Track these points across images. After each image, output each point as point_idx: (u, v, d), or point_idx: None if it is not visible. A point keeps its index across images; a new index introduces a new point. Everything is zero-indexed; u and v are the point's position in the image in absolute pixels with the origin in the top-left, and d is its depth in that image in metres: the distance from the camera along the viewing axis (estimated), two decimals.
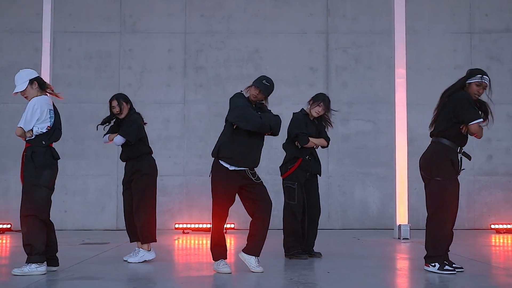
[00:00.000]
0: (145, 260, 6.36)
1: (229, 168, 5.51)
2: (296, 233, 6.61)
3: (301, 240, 6.64)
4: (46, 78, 9.11)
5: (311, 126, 6.73)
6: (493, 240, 8.91)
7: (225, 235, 5.69)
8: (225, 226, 5.63)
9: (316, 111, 6.71)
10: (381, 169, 10.50)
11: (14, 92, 5.64)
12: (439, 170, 5.45)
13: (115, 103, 6.56)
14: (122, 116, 6.56)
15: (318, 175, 6.86)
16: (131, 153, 6.54)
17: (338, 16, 10.86)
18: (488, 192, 10.59)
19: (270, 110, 5.91)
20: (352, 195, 10.66)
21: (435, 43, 10.75)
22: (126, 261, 6.39)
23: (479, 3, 10.83)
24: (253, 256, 5.55)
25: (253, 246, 5.56)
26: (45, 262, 5.49)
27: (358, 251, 7.46)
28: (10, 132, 10.42)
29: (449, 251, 5.58)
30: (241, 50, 10.86)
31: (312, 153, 6.73)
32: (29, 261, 5.41)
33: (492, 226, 10.17)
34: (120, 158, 6.70)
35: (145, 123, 6.73)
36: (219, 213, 5.54)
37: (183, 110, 10.83)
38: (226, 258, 5.62)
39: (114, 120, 6.69)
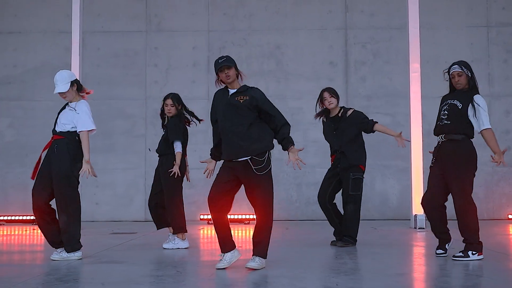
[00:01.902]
0: (178, 248, 6.79)
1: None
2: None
3: (335, 228, 7.06)
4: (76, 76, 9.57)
5: (326, 125, 7.15)
6: (511, 230, 9.07)
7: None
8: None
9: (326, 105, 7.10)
10: (400, 162, 10.72)
11: (56, 91, 5.89)
12: None
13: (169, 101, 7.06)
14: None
15: (352, 168, 6.96)
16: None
17: (356, 12, 11.13)
18: (507, 183, 10.74)
19: (253, 87, 5.41)
20: (372, 186, 10.92)
21: (452, 37, 10.92)
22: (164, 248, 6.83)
23: None
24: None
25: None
26: (81, 247, 5.90)
27: (371, 238, 7.74)
28: (43, 128, 10.93)
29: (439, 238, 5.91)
30: (263, 47, 11.20)
31: (341, 149, 6.99)
32: (70, 250, 5.79)
33: (510, 217, 10.33)
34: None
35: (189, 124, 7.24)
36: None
37: (207, 105, 11.19)
38: (224, 252, 5.37)
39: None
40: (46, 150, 5.97)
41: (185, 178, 7.15)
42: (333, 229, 7.08)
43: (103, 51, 11.28)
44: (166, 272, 5.15)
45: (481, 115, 5.64)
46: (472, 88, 5.76)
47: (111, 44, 11.29)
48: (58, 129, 5.89)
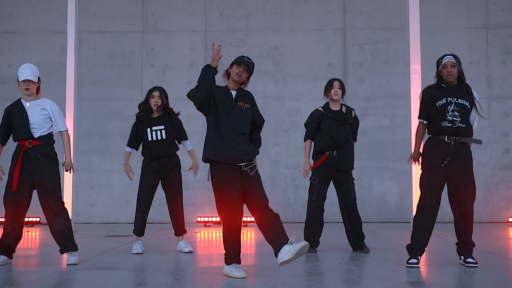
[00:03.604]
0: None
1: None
2: (310, 226, 6.58)
3: (315, 233, 6.55)
4: (71, 76, 9.25)
5: (327, 120, 6.51)
6: (511, 233, 8.80)
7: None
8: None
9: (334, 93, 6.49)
10: (398, 164, 10.41)
11: (25, 78, 5.52)
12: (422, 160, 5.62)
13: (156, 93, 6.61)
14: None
15: (350, 171, 6.56)
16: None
17: (354, 13, 10.83)
18: (506, 186, 10.46)
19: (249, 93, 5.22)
20: (370, 189, 10.62)
21: (451, 39, 10.64)
22: (181, 251, 6.55)
23: None
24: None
25: None
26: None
27: (372, 243, 7.43)
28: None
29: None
30: (260, 47, 10.88)
31: (342, 148, 6.44)
32: (75, 248, 5.64)
33: (510, 220, 10.05)
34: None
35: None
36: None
37: None
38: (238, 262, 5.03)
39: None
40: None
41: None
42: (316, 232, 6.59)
43: (99, 51, 10.94)
44: (163, 279, 4.83)
45: (474, 112, 5.47)
46: (463, 83, 5.49)
47: (108, 44, 10.96)
48: (36, 134, 5.57)
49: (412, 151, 5.93)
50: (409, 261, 5.38)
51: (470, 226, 5.39)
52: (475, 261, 5.31)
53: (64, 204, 5.67)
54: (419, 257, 5.42)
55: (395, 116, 10.57)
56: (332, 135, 6.44)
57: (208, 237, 8.58)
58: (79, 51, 10.06)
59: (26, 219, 9.99)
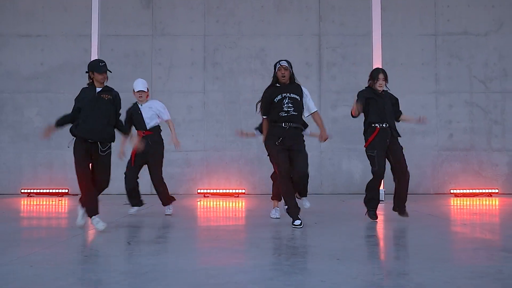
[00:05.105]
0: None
1: None
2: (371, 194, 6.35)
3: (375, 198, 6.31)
4: None
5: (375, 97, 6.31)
6: (452, 202, 9.40)
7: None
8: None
9: (380, 85, 6.31)
10: (362, 145, 10.92)
11: (139, 89, 7.03)
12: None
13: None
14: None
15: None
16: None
17: (328, 21, 11.31)
18: (449, 164, 11.07)
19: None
20: (340, 166, 11.17)
21: (407, 44, 11.16)
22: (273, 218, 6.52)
23: (442, 11, 11.22)
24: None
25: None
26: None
27: (341, 209, 8.01)
28: None
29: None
30: (250, 49, 11.35)
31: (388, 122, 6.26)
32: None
33: (452, 191, 10.68)
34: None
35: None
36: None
37: (203, 98, 11.36)
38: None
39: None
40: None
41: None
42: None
43: (116, 52, 11.34)
44: (176, 234, 5.35)
45: (310, 102, 5.92)
46: (294, 82, 5.89)
47: (123, 46, 11.35)
48: (148, 126, 6.93)
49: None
50: (294, 223, 5.61)
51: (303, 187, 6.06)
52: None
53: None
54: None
55: None
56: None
57: (207, 205, 9.09)
58: (99, 51, 10.45)
59: (56, 191, 10.58)
